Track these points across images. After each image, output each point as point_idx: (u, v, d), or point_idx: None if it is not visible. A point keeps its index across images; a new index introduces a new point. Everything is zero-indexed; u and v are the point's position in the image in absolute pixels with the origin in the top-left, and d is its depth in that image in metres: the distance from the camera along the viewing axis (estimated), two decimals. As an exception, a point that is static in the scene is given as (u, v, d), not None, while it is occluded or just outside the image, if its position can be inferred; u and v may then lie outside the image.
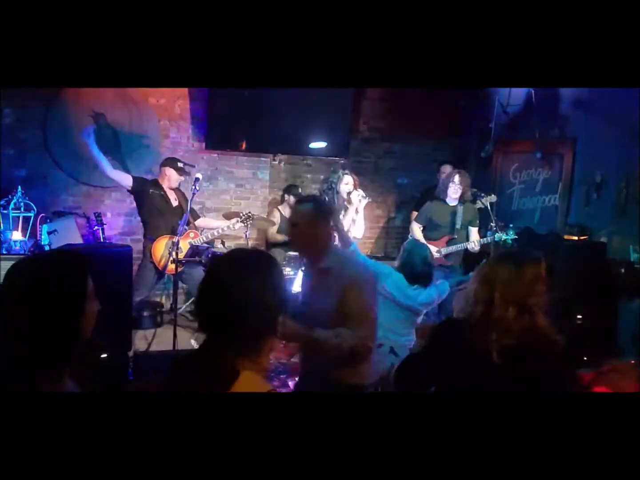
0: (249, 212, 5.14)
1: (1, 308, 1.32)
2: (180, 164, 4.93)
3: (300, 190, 6.17)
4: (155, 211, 4.89)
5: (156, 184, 4.96)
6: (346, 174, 4.99)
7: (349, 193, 4.91)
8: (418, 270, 3.40)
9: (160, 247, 4.85)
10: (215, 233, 5.09)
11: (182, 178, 5.01)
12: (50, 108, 5.58)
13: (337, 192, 4.94)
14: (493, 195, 5.40)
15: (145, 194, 4.86)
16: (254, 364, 1.29)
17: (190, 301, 5.67)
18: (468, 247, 5.10)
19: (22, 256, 4.27)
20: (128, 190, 4.94)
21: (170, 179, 4.93)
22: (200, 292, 1.33)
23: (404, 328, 3.29)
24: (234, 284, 1.26)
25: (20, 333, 1.29)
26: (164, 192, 4.94)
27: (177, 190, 5.04)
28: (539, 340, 1.87)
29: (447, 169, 5.97)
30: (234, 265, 1.31)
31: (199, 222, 5.19)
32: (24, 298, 1.32)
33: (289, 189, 6.20)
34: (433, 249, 5.15)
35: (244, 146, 6.24)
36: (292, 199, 6.12)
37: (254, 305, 1.25)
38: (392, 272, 3.47)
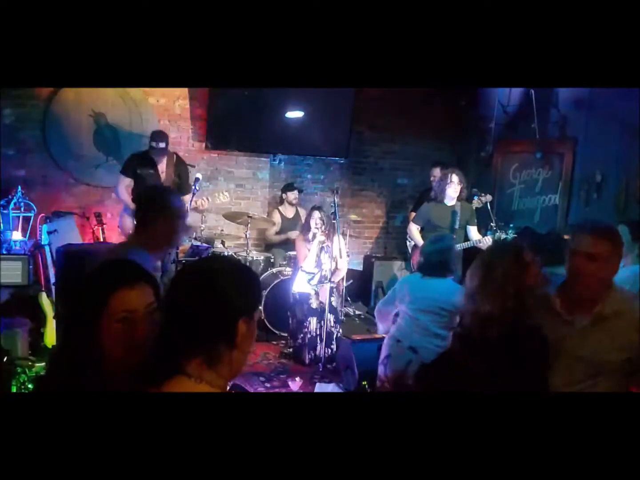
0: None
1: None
2: (156, 134, 4.81)
3: (296, 189, 6.17)
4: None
5: (146, 154, 4.84)
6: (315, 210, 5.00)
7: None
8: (432, 259, 3.32)
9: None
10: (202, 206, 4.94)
11: (162, 145, 4.77)
12: (50, 108, 5.58)
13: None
14: (489, 195, 5.39)
15: (137, 175, 4.78)
16: (206, 371, 1.20)
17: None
18: (479, 245, 4.99)
19: (22, 256, 4.30)
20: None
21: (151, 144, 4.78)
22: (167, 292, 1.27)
23: (432, 329, 3.15)
24: (195, 293, 1.20)
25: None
26: (155, 167, 4.82)
27: (170, 158, 4.84)
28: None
29: (437, 172, 5.89)
30: (199, 275, 1.25)
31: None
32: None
33: (286, 188, 6.22)
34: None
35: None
36: (290, 197, 6.12)
37: (212, 313, 1.18)
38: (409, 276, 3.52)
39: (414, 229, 5.27)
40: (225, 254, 5.33)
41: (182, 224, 2.36)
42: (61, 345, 1.42)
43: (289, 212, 6.16)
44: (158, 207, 2.21)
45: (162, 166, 4.85)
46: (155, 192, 2.44)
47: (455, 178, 5.00)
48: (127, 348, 1.35)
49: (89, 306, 1.35)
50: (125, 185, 4.82)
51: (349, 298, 6.23)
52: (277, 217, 6.10)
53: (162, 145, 4.78)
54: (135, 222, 2.25)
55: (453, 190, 5.02)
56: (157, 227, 2.17)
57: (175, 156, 4.90)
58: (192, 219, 5.02)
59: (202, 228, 5.53)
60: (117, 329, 1.35)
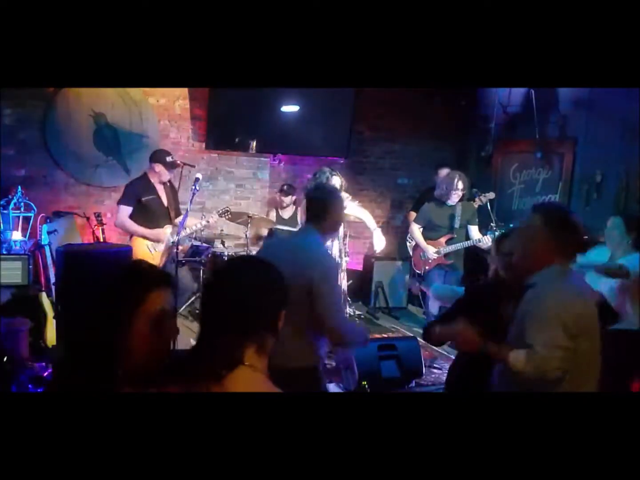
0: (227, 207, 5.17)
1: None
2: (169, 158, 4.75)
3: (284, 191, 6.14)
4: (148, 214, 4.75)
5: (147, 181, 4.78)
6: (335, 174, 4.67)
7: None
8: None
9: (140, 244, 4.73)
10: (194, 227, 4.87)
11: (172, 173, 4.85)
12: (50, 108, 5.58)
13: None
14: (491, 192, 5.40)
15: (140, 203, 4.71)
16: (258, 359, 1.35)
17: (189, 301, 5.66)
18: (479, 244, 5.00)
19: (22, 256, 4.29)
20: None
21: (161, 175, 4.76)
22: (208, 292, 1.44)
23: None
24: (238, 287, 1.37)
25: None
26: (156, 192, 4.78)
27: (166, 185, 4.85)
28: None
29: (444, 172, 5.88)
30: (237, 271, 1.44)
31: (177, 221, 4.92)
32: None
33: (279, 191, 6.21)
34: (432, 249, 5.16)
35: (253, 147, 6.22)
36: (287, 198, 6.11)
37: (258, 304, 1.37)
38: None
39: (416, 229, 5.28)
40: (225, 254, 5.33)
41: (343, 215, 3.01)
42: (83, 345, 1.40)
43: (286, 213, 6.15)
44: (329, 202, 2.73)
45: (162, 192, 4.83)
46: (328, 190, 3.02)
47: (460, 185, 5.01)
48: (153, 349, 1.37)
49: (124, 305, 1.35)
50: (127, 215, 4.71)
51: (349, 298, 6.23)
52: (272, 216, 6.09)
53: (175, 157, 4.87)
54: (307, 214, 2.79)
55: (457, 196, 5.05)
56: (327, 217, 2.70)
57: (169, 183, 4.91)
58: (191, 219, 5.00)
59: (202, 228, 5.52)
60: (148, 329, 1.35)
